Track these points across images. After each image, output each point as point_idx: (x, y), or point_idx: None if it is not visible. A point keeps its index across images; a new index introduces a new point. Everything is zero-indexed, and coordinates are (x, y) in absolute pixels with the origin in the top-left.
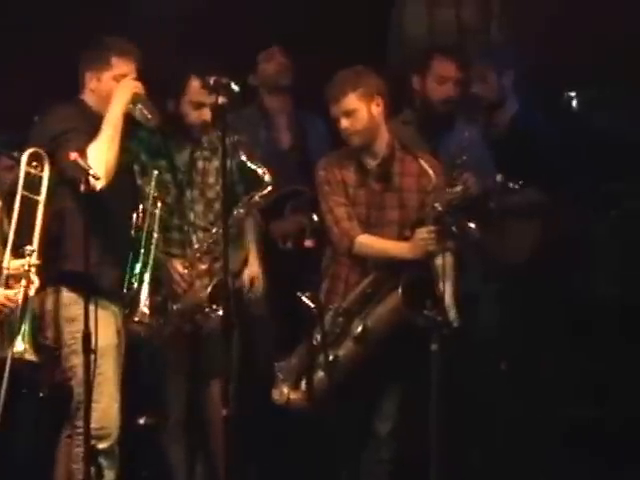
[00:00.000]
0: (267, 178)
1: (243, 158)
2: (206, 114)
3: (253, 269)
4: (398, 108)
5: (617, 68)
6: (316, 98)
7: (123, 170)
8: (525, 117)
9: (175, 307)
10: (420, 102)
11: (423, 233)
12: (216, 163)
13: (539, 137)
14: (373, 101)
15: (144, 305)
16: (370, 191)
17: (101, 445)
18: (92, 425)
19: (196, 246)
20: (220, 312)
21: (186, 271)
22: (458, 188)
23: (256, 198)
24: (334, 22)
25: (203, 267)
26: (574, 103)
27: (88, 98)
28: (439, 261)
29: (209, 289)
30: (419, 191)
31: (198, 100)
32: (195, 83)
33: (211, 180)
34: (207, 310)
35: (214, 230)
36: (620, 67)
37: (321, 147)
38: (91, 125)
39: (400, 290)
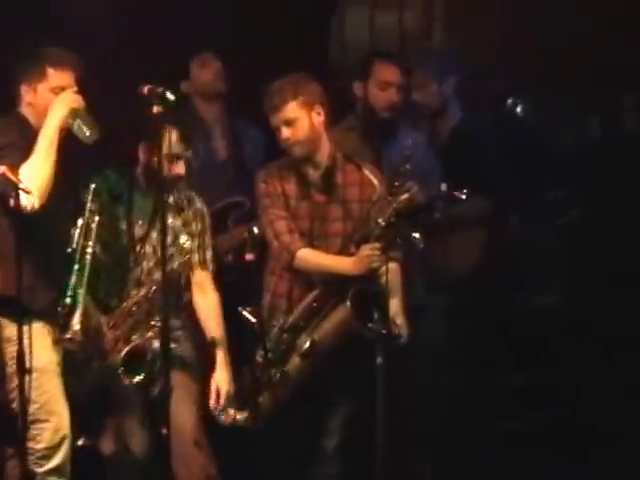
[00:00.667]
0: None
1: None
2: (180, 167)
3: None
4: (340, 115)
5: (562, 73)
6: (254, 106)
7: (62, 187)
8: (468, 124)
9: (96, 364)
10: (362, 108)
11: (367, 250)
12: (178, 222)
13: (482, 144)
14: (314, 110)
15: (77, 323)
16: (312, 203)
17: (52, 464)
18: (43, 445)
19: (127, 303)
20: (134, 380)
21: (110, 331)
22: (401, 197)
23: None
24: (272, 27)
25: (129, 326)
26: (519, 109)
27: (26, 111)
28: (384, 272)
29: (123, 354)
30: (363, 201)
31: (170, 152)
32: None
33: (168, 239)
34: (120, 375)
35: (146, 289)
36: (565, 72)
37: (257, 157)
38: (28, 140)
39: (348, 303)
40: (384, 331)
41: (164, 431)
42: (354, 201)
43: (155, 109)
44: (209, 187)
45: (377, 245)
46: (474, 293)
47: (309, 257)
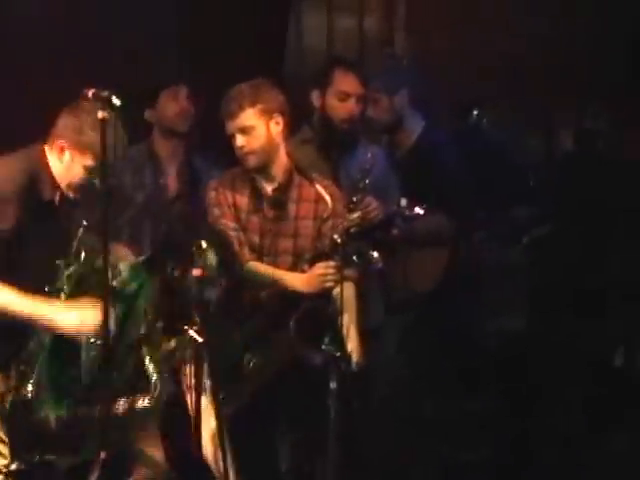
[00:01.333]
0: None
1: None
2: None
3: None
4: (296, 125)
5: (529, 83)
6: (211, 114)
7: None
8: (429, 136)
9: None
10: (320, 119)
11: (321, 268)
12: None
13: (443, 158)
14: (273, 119)
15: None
16: (264, 218)
17: None
18: None
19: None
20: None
21: None
22: (358, 214)
23: None
24: (226, 30)
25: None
26: (484, 121)
27: None
28: (338, 291)
29: None
30: (315, 218)
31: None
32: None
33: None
34: None
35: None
36: (526, 85)
37: None
38: None
39: (293, 324)
40: (337, 354)
41: None
42: (307, 218)
43: (100, 114)
44: (153, 223)
45: (332, 264)
46: (435, 314)
47: (259, 268)
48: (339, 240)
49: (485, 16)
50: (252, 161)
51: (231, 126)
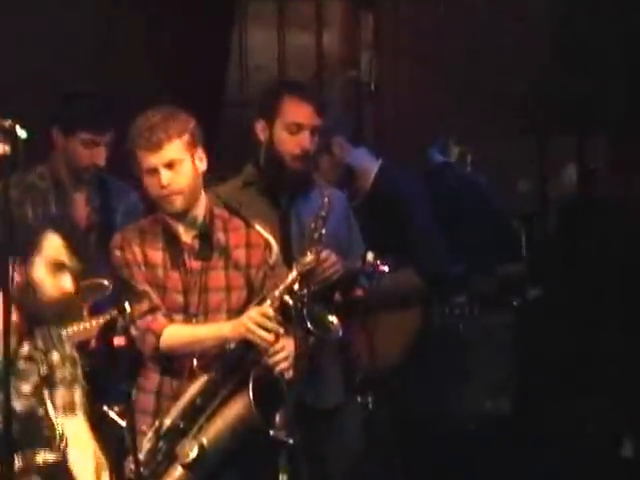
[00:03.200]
0: None
1: None
2: None
3: None
4: (238, 164)
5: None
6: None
7: None
8: (387, 178)
9: None
10: (266, 156)
11: (255, 312)
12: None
13: (409, 203)
14: (197, 153)
15: None
16: (186, 272)
17: None
18: None
19: None
20: None
21: None
22: (307, 260)
23: None
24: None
25: None
26: (469, 159)
27: None
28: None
29: None
30: (252, 266)
31: None
32: None
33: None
34: None
35: None
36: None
37: (127, 223)
38: None
39: (250, 394)
40: (289, 441)
41: None
42: (240, 266)
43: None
44: None
45: (269, 310)
46: (403, 394)
47: (175, 332)
48: (290, 301)
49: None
50: (179, 203)
51: (153, 159)
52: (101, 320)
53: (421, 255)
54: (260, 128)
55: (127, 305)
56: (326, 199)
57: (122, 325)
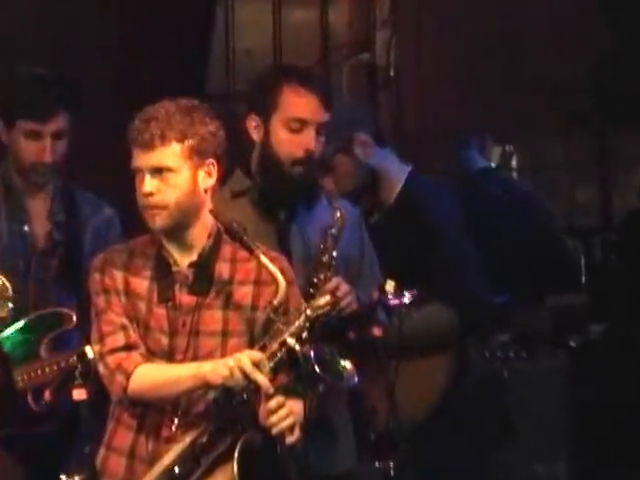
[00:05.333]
0: None
1: None
2: None
3: None
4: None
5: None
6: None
7: None
8: (418, 188)
9: None
10: (261, 160)
11: (245, 357)
12: None
13: (442, 219)
14: (204, 166)
15: None
16: (174, 308)
17: None
18: None
19: None
20: None
21: None
22: (321, 302)
23: None
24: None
25: None
26: (514, 162)
27: None
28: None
29: None
30: (258, 308)
31: None
32: None
33: None
34: None
35: None
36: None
37: (99, 243)
38: None
39: (235, 466)
40: None
41: None
42: (244, 307)
43: None
44: (16, 286)
45: (261, 357)
46: (431, 457)
47: (148, 373)
48: (294, 343)
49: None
50: (160, 220)
51: (140, 160)
52: (55, 366)
53: (454, 285)
54: (253, 125)
55: (88, 349)
56: (338, 213)
57: (82, 372)
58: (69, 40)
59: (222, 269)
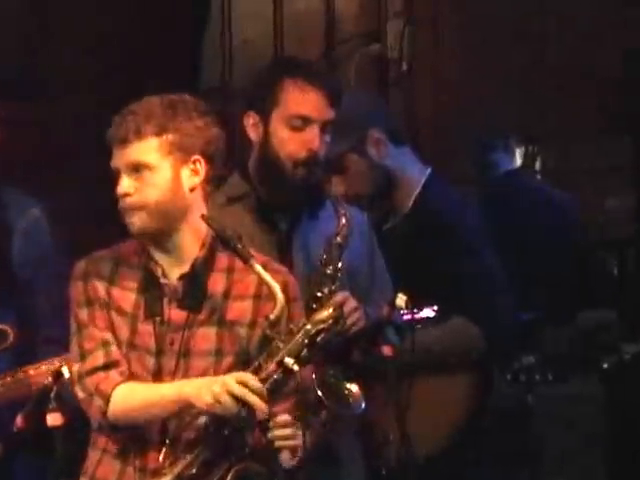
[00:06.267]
0: None
1: None
2: None
3: None
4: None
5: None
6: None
7: None
8: (437, 192)
9: None
10: (260, 162)
11: (231, 379)
12: None
13: (462, 226)
14: (188, 162)
15: None
16: (163, 324)
17: None
18: None
19: None
20: None
21: None
22: (323, 316)
23: None
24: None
25: None
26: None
27: None
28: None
29: None
30: (256, 324)
31: None
32: None
33: None
34: None
35: None
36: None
37: (30, 250)
38: None
39: None
40: None
41: None
42: (239, 323)
43: None
44: None
45: (251, 380)
46: None
47: (128, 394)
48: (292, 363)
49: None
50: (138, 222)
51: (117, 158)
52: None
53: (477, 301)
54: (251, 123)
55: (65, 369)
56: (343, 220)
57: (57, 394)
58: (53, 32)
59: (217, 282)
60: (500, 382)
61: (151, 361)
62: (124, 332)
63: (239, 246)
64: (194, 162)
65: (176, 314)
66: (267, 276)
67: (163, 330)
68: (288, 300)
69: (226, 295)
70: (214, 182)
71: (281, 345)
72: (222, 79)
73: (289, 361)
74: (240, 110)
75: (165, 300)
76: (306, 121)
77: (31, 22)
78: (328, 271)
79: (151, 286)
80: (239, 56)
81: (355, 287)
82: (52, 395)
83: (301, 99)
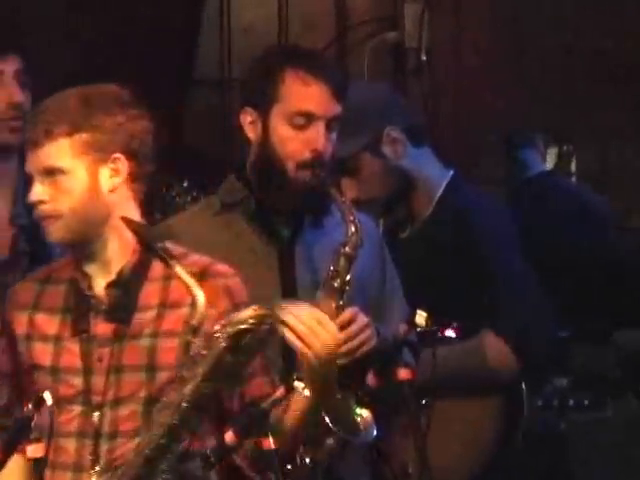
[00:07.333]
0: None
1: None
2: None
3: None
4: (213, 174)
5: None
6: None
7: None
8: (460, 197)
9: None
10: (258, 163)
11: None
12: None
13: (488, 239)
14: (107, 163)
15: None
16: (89, 340)
17: None
18: None
19: None
20: None
21: None
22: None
23: None
24: None
25: None
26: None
27: None
28: None
29: None
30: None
31: None
32: None
33: None
34: None
35: None
36: None
37: None
38: None
39: None
40: None
41: None
42: (175, 333)
43: None
44: None
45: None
46: None
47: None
48: (299, 384)
49: None
50: (54, 232)
51: (29, 162)
52: None
53: (507, 318)
54: (248, 121)
55: (47, 395)
56: (353, 227)
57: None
58: (41, 23)
59: (150, 290)
60: (530, 407)
61: (78, 381)
62: (47, 358)
63: (157, 245)
64: (114, 161)
65: (103, 328)
66: (189, 280)
67: (90, 347)
68: (234, 304)
69: (162, 304)
70: (143, 181)
71: (204, 352)
72: (220, 69)
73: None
74: (238, 105)
75: (93, 314)
76: (310, 118)
77: None
78: (335, 284)
79: (77, 300)
80: (239, 42)
81: (366, 302)
82: (33, 424)
83: (304, 93)
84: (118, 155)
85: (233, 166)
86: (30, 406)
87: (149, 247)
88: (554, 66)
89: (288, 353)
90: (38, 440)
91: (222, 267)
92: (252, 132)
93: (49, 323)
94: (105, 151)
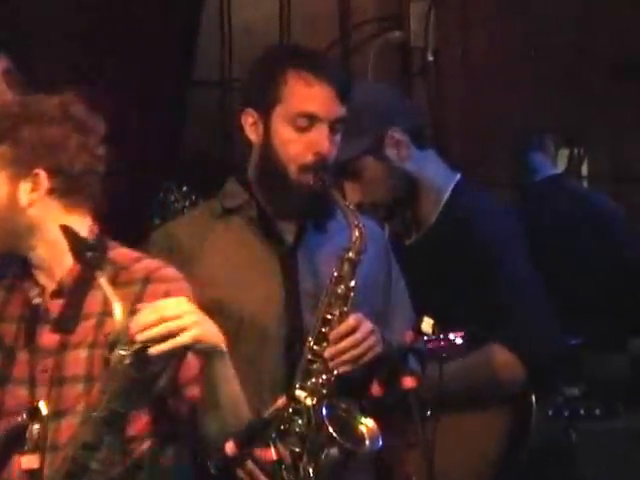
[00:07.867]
0: None
1: None
2: None
3: None
4: (213, 177)
5: None
6: None
7: None
8: (466, 202)
9: None
10: (260, 166)
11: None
12: None
13: (496, 245)
14: (27, 178)
15: None
16: (37, 351)
17: None
18: None
19: None
20: None
21: None
22: (337, 344)
23: None
24: None
25: None
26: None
27: None
28: None
29: None
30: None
31: None
32: None
33: None
34: None
35: None
36: None
37: None
38: None
39: None
40: None
41: None
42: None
43: None
44: None
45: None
46: None
47: None
48: (307, 399)
49: None
50: None
51: None
52: None
53: (515, 326)
54: (249, 123)
55: (42, 405)
56: (357, 232)
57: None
58: (41, 23)
59: (94, 298)
60: (540, 417)
61: (24, 392)
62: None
63: (93, 256)
64: (35, 176)
65: (48, 338)
66: (109, 291)
67: (36, 357)
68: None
69: (103, 312)
70: (83, 193)
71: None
72: (220, 69)
73: (300, 392)
74: (238, 106)
75: (42, 323)
76: (313, 119)
77: None
78: (339, 290)
79: (29, 310)
80: (239, 43)
81: (371, 308)
82: (27, 434)
83: (306, 94)
84: (38, 171)
85: (234, 168)
86: (24, 416)
87: (78, 255)
88: (566, 65)
89: (289, 361)
90: (33, 451)
91: (168, 271)
92: (253, 134)
93: (8, 332)
94: (25, 166)
